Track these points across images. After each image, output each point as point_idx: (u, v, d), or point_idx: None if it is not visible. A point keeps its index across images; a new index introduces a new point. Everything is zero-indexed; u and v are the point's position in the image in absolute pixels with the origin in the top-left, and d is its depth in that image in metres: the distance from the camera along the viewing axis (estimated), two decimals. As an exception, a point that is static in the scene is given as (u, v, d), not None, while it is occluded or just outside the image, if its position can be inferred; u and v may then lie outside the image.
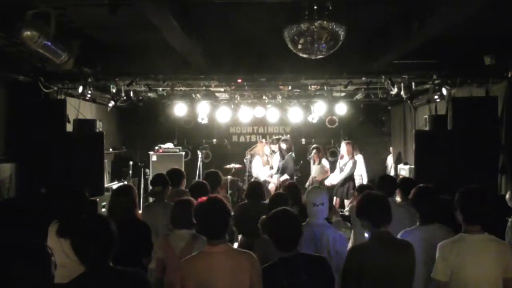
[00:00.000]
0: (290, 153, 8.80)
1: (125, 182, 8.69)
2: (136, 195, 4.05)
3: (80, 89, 6.62)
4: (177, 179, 5.31)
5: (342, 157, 8.52)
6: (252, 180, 8.01)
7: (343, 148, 8.45)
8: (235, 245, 5.17)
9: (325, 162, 9.17)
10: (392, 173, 9.65)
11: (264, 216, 4.03)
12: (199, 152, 9.80)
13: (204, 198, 2.84)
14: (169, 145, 10.06)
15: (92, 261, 2.32)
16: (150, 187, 4.97)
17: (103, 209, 6.47)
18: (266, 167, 8.85)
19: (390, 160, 10.55)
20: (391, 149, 10.55)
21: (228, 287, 2.59)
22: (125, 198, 3.88)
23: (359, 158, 9.02)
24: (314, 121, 10.01)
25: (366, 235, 3.58)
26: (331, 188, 8.26)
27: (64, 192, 4.07)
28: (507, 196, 4.27)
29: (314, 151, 8.80)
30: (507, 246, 2.83)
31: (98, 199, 6.32)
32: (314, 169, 8.84)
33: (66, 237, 3.66)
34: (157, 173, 4.99)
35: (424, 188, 3.54)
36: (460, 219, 2.86)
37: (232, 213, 5.20)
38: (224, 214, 2.71)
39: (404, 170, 8.99)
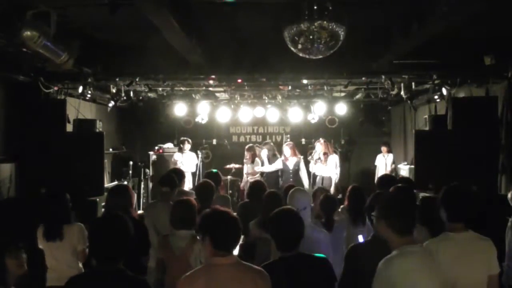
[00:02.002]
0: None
1: (125, 182, 8.70)
2: (132, 194, 4.05)
3: (80, 89, 6.62)
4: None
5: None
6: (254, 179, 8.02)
7: (319, 147, 8.66)
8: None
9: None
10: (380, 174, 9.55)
11: (254, 220, 4.03)
12: (199, 152, 9.80)
13: (215, 208, 2.66)
14: (169, 145, 10.06)
15: (100, 261, 2.31)
16: (151, 186, 4.96)
17: (103, 209, 6.47)
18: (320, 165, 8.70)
19: (380, 160, 10.33)
20: (382, 148, 10.41)
21: None
22: (121, 198, 3.89)
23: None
24: (314, 121, 10.01)
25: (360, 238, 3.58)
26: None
27: (46, 196, 4.09)
28: (509, 195, 4.27)
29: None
30: (491, 243, 2.83)
31: (98, 199, 6.32)
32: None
33: (53, 240, 3.70)
34: (166, 173, 5.00)
35: (400, 188, 3.57)
36: (443, 217, 2.86)
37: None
38: (238, 226, 2.53)
39: (404, 170, 9.00)
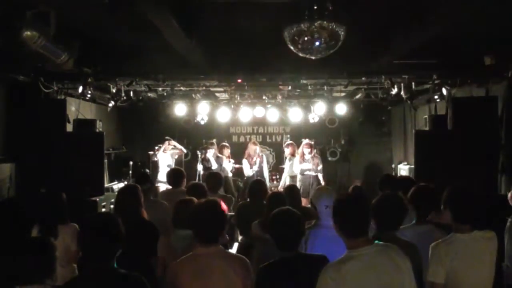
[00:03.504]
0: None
1: (125, 182, 8.70)
2: (141, 194, 4.03)
3: (80, 89, 6.62)
4: (177, 179, 5.31)
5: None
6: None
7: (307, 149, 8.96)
8: (236, 245, 5.18)
9: None
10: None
11: (257, 221, 4.03)
12: (199, 152, 9.80)
13: (201, 200, 2.81)
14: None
15: (94, 261, 2.31)
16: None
17: (103, 209, 6.47)
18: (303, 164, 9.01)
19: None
20: None
21: None
22: (131, 198, 3.87)
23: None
24: (314, 121, 10.01)
25: None
26: None
27: (42, 196, 4.07)
28: (509, 195, 4.27)
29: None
30: (495, 239, 2.84)
31: (98, 199, 6.32)
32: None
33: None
34: (142, 172, 5.01)
35: (423, 187, 3.54)
36: (449, 218, 2.85)
37: (233, 213, 5.23)
38: (220, 217, 2.66)
39: (404, 170, 9.01)
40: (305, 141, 9.06)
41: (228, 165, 9.33)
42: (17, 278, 2.42)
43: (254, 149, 9.13)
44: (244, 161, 9.23)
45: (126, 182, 8.74)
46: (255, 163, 9.02)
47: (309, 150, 8.81)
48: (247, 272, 2.62)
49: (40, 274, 2.45)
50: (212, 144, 9.48)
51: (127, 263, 2.38)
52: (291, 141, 9.61)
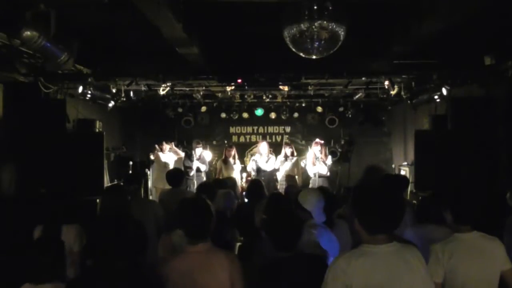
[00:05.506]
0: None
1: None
2: (126, 193, 4.04)
3: (80, 89, 6.62)
4: (177, 179, 5.31)
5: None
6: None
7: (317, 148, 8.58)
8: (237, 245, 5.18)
9: None
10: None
11: (257, 219, 4.04)
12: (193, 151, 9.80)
13: (186, 198, 2.84)
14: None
15: (103, 260, 2.34)
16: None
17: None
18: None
19: None
20: None
21: (209, 287, 2.56)
22: (118, 197, 3.88)
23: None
24: (314, 121, 10.02)
25: None
26: None
27: (46, 196, 4.08)
28: (507, 195, 4.26)
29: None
30: (497, 241, 2.81)
31: (98, 199, 6.30)
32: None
33: None
34: (131, 172, 5.01)
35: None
36: (449, 219, 2.84)
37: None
38: (206, 214, 2.65)
39: (404, 170, 9.01)
40: (315, 140, 8.47)
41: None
42: (30, 277, 2.45)
43: (265, 145, 8.82)
44: (257, 157, 8.90)
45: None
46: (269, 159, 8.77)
47: (320, 149, 8.22)
48: (234, 266, 2.59)
49: (50, 273, 2.47)
50: (198, 143, 9.39)
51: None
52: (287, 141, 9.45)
